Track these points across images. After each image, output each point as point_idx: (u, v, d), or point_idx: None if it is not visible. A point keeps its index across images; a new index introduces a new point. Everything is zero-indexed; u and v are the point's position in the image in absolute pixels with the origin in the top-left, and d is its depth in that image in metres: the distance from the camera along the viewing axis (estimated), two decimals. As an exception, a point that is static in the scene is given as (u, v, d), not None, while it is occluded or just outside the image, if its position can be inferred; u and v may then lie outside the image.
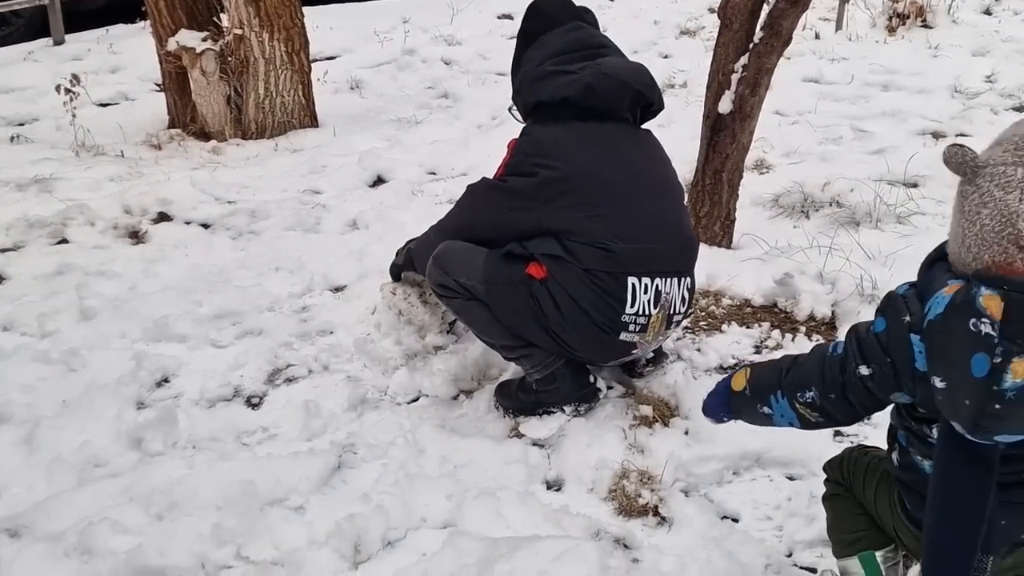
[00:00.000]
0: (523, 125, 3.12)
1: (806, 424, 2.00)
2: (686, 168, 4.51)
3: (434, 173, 5.18)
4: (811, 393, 1.94)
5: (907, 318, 1.74)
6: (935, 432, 1.82)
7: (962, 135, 5.40)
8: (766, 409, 2.04)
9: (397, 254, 3.53)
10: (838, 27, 8.10)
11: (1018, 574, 1.92)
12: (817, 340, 3.47)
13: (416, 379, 3.29)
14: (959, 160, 1.68)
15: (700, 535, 2.62)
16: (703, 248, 3.99)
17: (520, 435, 3.05)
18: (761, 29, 3.86)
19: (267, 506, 2.70)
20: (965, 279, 1.68)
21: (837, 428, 2.79)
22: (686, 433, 2.99)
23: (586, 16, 3.21)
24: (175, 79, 5.85)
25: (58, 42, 7.70)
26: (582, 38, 3.08)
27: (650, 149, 3.12)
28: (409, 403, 3.24)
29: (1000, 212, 1.64)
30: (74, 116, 5.51)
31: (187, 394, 3.26)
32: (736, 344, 3.51)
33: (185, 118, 5.89)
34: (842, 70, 6.93)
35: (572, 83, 2.94)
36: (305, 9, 6.05)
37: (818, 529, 2.54)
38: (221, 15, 5.85)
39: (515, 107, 3.20)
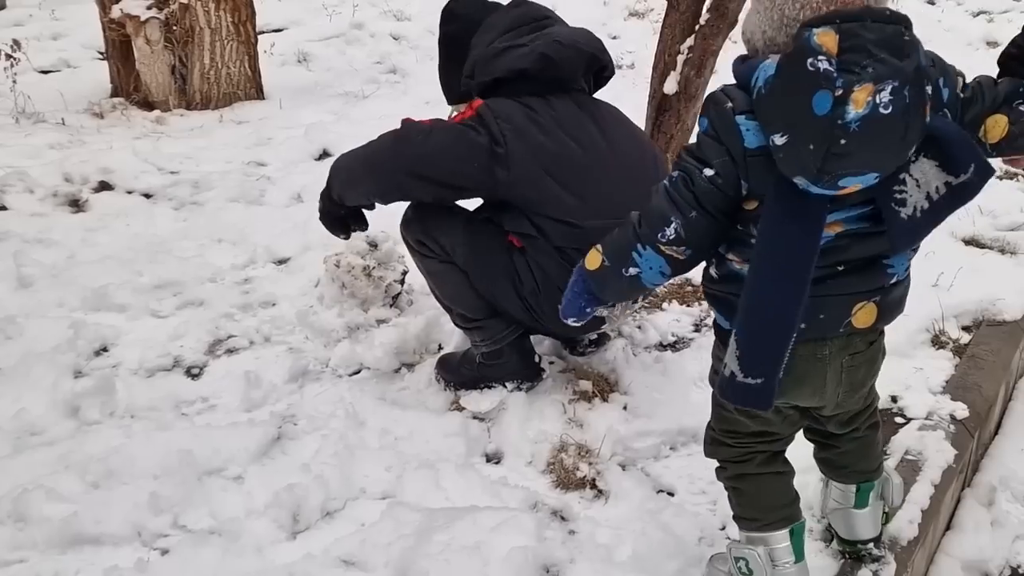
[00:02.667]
0: None
1: (675, 265, 1.98)
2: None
3: (381, 148, 5.16)
4: (672, 226, 1.92)
5: (729, 104, 1.80)
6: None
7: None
8: (632, 269, 2.01)
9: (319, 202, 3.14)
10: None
11: (853, 364, 2.02)
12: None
13: (358, 351, 3.29)
14: None
15: (636, 508, 2.65)
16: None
17: (461, 408, 3.06)
18: (707, 11, 3.88)
19: (205, 475, 2.70)
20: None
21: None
22: (624, 408, 3.02)
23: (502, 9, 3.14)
24: (118, 47, 5.78)
25: (-1, 7, 7.58)
26: (527, 12, 3.05)
27: (615, 121, 3.05)
28: (350, 375, 3.24)
29: None
30: (14, 82, 5.43)
31: (126, 364, 3.24)
32: (676, 322, 3.54)
33: (128, 87, 5.83)
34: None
35: (527, 55, 2.88)
36: (256, -22, 6.00)
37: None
38: (167, -17, 5.80)
39: (458, 101, 3.12)
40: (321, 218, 3.13)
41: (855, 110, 1.62)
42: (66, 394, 3.01)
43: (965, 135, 1.80)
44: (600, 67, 3.05)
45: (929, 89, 1.72)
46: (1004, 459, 3.16)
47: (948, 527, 2.87)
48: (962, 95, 1.88)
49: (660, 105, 4.07)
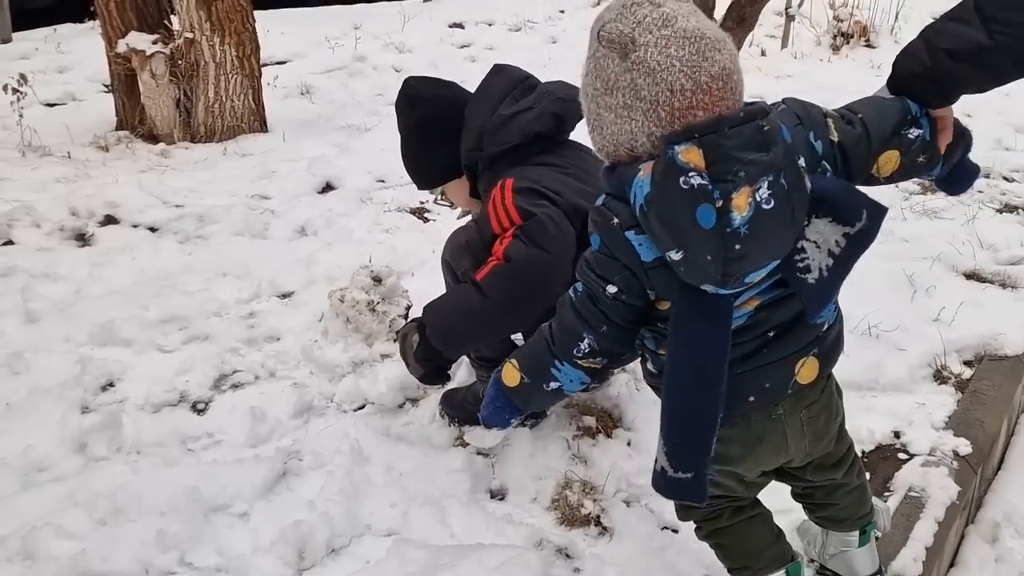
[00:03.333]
0: (466, 212, 3.12)
1: (594, 374, 2.03)
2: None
3: (383, 180, 5.19)
4: (585, 341, 1.96)
5: (615, 220, 1.80)
6: None
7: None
8: (552, 384, 2.06)
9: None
10: (784, 45, 8.24)
11: (812, 415, 2.04)
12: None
13: (362, 387, 3.31)
14: (617, 36, 1.73)
15: (641, 545, 2.66)
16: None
17: (465, 444, 3.07)
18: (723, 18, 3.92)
19: (211, 512, 2.70)
20: (650, 157, 1.73)
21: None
22: (628, 444, 3.03)
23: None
24: (124, 81, 5.82)
25: (5, 40, 7.63)
26: (512, 76, 3.05)
27: (592, 165, 3.11)
28: (355, 411, 3.25)
29: (671, 68, 1.69)
30: (21, 116, 5.46)
31: (132, 399, 3.25)
32: (679, 357, 3.55)
33: (133, 120, 5.86)
34: (787, 87, 7.03)
35: (539, 117, 2.87)
36: (257, 13, 6.04)
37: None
38: (172, 18, 5.85)
39: (445, 191, 3.17)
40: (421, 367, 2.94)
41: (740, 215, 1.63)
42: (73, 430, 3.02)
43: (847, 186, 1.82)
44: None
45: (802, 161, 1.73)
46: (1008, 495, 3.17)
47: (952, 564, 2.88)
48: (836, 138, 1.88)
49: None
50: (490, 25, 8.93)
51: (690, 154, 1.63)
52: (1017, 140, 6.13)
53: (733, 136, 1.65)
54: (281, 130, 6.00)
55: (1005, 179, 5.47)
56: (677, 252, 1.70)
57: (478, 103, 3.01)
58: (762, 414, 1.98)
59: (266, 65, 6.70)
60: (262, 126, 6.06)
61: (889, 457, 3.02)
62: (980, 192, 5.21)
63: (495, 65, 3.15)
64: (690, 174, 1.63)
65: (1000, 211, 4.97)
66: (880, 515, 2.45)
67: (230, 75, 5.80)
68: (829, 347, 2.00)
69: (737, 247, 1.65)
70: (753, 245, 1.66)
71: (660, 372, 1.99)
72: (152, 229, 4.56)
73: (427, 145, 3.08)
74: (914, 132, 1.95)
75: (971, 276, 4.13)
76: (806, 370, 1.96)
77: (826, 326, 1.98)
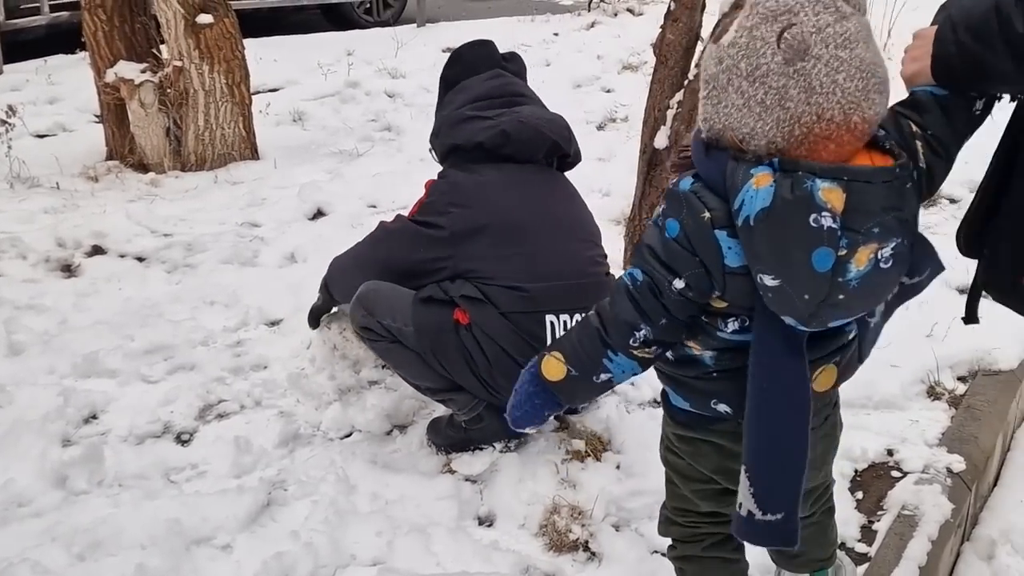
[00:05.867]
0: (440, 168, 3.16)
1: (646, 364, 1.90)
2: (625, 202, 4.55)
3: (374, 206, 5.16)
4: (642, 332, 1.82)
5: (706, 215, 1.67)
6: (729, 326, 1.80)
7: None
8: (603, 375, 1.91)
9: (319, 294, 3.53)
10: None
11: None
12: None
13: (349, 414, 3.27)
14: (792, 38, 1.58)
15: (630, 570, 2.61)
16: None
17: (452, 471, 3.03)
18: (696, 66, 3.90)
19: (193, 545, 2.67)
20: (769, 166, 1.60)
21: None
22: (618, 467, 2.99)
23: (510, 64, 3.25)
24: (113, 110, 5.79)
25: (-4, 72, 7.63)
26: (501, 85, 3.15)
27: (562, 189, 3.16)
28: (342, 439, 3.21)
29: (831, 94, 1.58)
30: (10, 147, 5.43)
31: (115, 431, 3.21)
32: (670, 378, 3.52)
33: (123, 150, 5.83)
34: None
35: (487, 129, 2.99)
36: (249, 41, 6.03)
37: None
38: (161, 47, 5.83)
39: (433, 149, 3.22)
40: (312, 316, 3.57)
41: (857, 268, 1.58)
42: (54, 463, 2.98)
43: (927, 242, 1.75)
44: (563, 154, 3.12)
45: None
46: (1004, 511, 3.12)
47: (948, 583, 2.83)
48: (924, 165, 1.75)
49: (651, 160, 4.08)
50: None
51: (832, 194, 1.54)
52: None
53: (882, 191, 1.58)
54: (273, 157, 5.97)
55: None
56: (773, 279, 1.62)
57: (458, 92, 3.14)
58: None
59: (258, 93, 6.67)
60: (253, 153, 6.03)
61: (882, 475, 2.97)
62: (974, 206, 5.17)
63: (496, 70, 3.17)
64: (823, 214, 1.54)
65: (994, 224, 4.93)
66: (844, 572, 2.40)
67: (220, 103, 5.77)
68: (849, 359, 1.91)
69: (840, 297, 1.60)
70: (856, 298, 1.62)
71: (678, 361, 1.90)
72: (139, 259, 4.52)
73: (442, 103, 3.29)
74: (978, 105, 1.82)
75: (964, 291, 4.08)
76: (824, 377, 1.87)
77: (851, 334, 1.88)
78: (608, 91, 7.36)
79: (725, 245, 1.67)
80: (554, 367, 1.94)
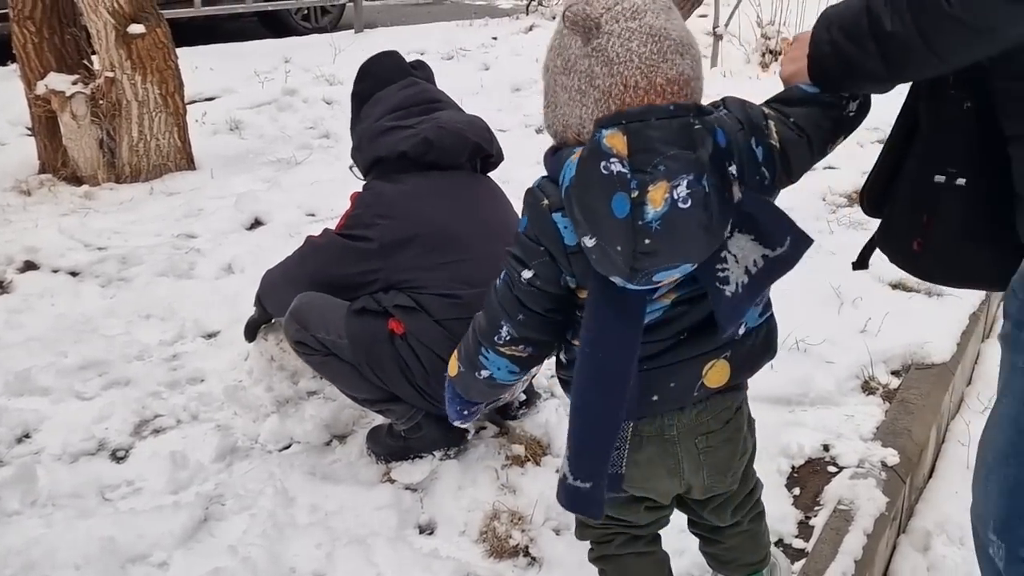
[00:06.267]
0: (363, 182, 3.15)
1: (521, 363, 1.96)
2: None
3: (313, 215, 5.13)
4: (504, 329, 1.90)
5: (545, 202, 1.76)
6: None
7: (829, 167, 5.52)
8: (483, 372, 1.99)
9: (255, 306, 3.51)
10: (712, 64, 8.30)
11: (709, 446, 1.98)
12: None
13: (288, 426, 3.25)
14: (582, 19, 1.69)
15: (570, 574, 2.61)
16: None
17: (392, 480, 3.02)
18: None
19: (128, 563, 2.63)
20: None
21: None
22: (557, 472, 2.99)
23: (419, 72, 3.25)
24: (45, 123, 5.70)
25: (-75, 86, 7.47)
26: (417, 93, 3.14)
27: (488, 192, 3.15)
28: (280, 451, 3.19)
29: (629, 62, 1.67)
30: (-61, 164, 5.34)
31: (48, 449, 3.16)
32: (609, 380, 3.53)
33: (56, 163, 5.75)
34: (717, 105, 7.06)
35: (409, 138, 2.97)
36: (184, 50, 5.97)
37: (688, 563, 2.56)
38: (92, 58, 5.75)
39: (355, 165, 3.20)
40: (248, 329, 3.56)
41: (654, 209, 1.59)
42: (-15, 485, 2.93)
43: (776, 210, 1.77)
44: (486, 155, 3.12)
45: (733, 169, 1.70)
46: (939, 503, 3.17)
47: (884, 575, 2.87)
48: (777, 143, 1.81)
49: (586, 163, 4.08)
50: (422, 54, 8.90)
51: (615, 139, 1.60)
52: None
53: (660, 128, 1.61)
54: (209, 167, 5.91)
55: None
56: (591, 238, 1.66)
57: (373, 105, 3.13)
58: (654, 431, 1.93)
59: (193, 102, 6.61)
60: (189, 164, 5.96)
61: (819, 471, 3.01)
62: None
63: (410, 79, 3.17)
64: (611, 159, 1.59)
65: (927, 219, 5.00)
66: (779, 572, 2.42)
67: (154, 113, 5.70)
68: (745, 353, 1.92)
69: (647, 242, 1.61)
70: (664, 243, 1.61)
71: (570, 363, 1.93)
72: (73, 273, 4.45)
73: (357, 119, 3.24)
74: (851, 107, 1.90)
75: (897, 286, 4.15)
76: (714, 373, 1.89)
77: (743, 329, 1.90)
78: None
79: (561, 225, 1.75)
80: (452, 363, 2.07)
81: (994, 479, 1.80)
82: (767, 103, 1.88)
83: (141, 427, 3.30)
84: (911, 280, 4.18)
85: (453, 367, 2.07)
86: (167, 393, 3.48)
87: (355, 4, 10.18)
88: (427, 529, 2.85)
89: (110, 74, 5.57)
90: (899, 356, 3.57)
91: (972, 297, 4.06)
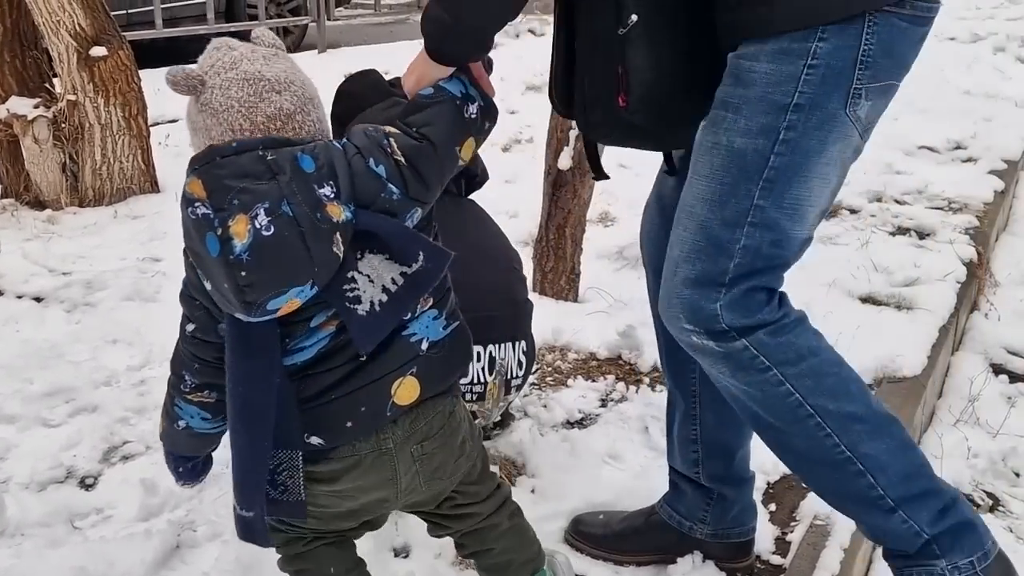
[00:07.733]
0: None
1: (211, 409, 1.99)
2: (532, 223, 4.56)
3: (280, 236, 5.09)
4: (187, 377, 1.95)
5: (191, 258, 1.80)
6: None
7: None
8: (180, 423, 2.02)
9: None
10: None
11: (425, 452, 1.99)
12: (660, 390, 3.51)
13: (259, 450, 3.21)
14: (183, 78, 1.79)
15: (548, 595, 2.60)
16: (550, 303, 4.04)
17: (367, 502, 2.99)
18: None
19: (99, 593, 2.59)
20: None
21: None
22: (532, 491, 2.98)
23: (398, 90, 3.22)
24: (7, 147, 5.64)
25: None
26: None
27: (476, 217, 3.13)
28: (252, 475, 3.15)
29: (231, 108, 1.77)
30: (-102, 196, 5.27)
31: (16, 478, 3.10)
32: (582, 398, 3.53)
33: (18, 187, 5.69)
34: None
35: None
36: (147, 72, 5.92)
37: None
38: (54, 80, 5.70)
39: None
40: None
41: (240, 241, 1.64)
42: (-49, 516, 2.87)
43: (402, 227, 1.83)
44: (471, 175, 3.11)
45: (327, 190, 1.73)
46: (913, 516, 3.16)
47: (862, 590, 2.87)
48: (400, 156, 1.84)
49: (556, 181, 4.11)
50: (387, 73, 8.90)
51: (194, 185, 1.67)
52: (907, 163, 6.26)
53: (226, 165, 1.68)
54: (174, 189, 5.85)
55: (897, 202, 5.58)
56: (208, 282, 1.72)
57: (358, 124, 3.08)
58: (371, 444, 1.93)
59: (157, 124, 6.57)
60: (153, 186, 5.92)
61: (794, 486, 3.01)
62: (873, 216, 5.30)
63: (393, 98, 3.16)
64: (196, 204, 1.66)
65: (893, 234, 5.05)
66: (558, 566, 2.43)
67: (117, 136, 5.65)
68: (435, 366, 1.95)
69: (243, 274, 1.65)
70: (259, 272, 1.66)
71: None
72: (37, 299, 4.39)
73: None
74: (471, 109, 1.96)
75: (867, 300, 4.18)
76: (403, 390, 1.91)
77: (427, 343, 1.93)
78: (512, 112, 7.39)
79: (203, 277, 1.78)
80: (160, 421, 2.10)
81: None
82: (397, 120, 1.94)
83: (110, 454, 3.26)
84: (881, 293, 4.22)
85: (160, 424, 2.09)
86: (135, 419, 3.43)
87: (318, 24, 10.17)
88: (402, 552, 2.82)
89: (72, 97, 5.52)
90: (870, 370, 3.59)
91: (942, 310, 4.09)
